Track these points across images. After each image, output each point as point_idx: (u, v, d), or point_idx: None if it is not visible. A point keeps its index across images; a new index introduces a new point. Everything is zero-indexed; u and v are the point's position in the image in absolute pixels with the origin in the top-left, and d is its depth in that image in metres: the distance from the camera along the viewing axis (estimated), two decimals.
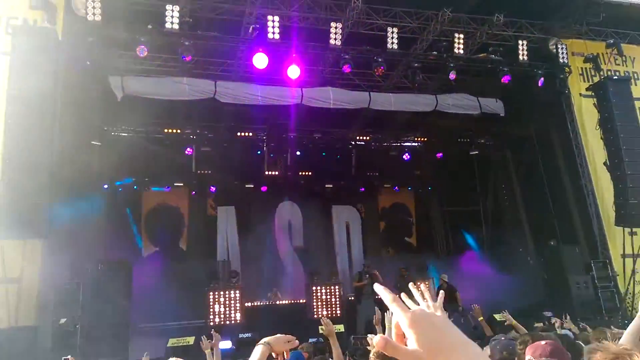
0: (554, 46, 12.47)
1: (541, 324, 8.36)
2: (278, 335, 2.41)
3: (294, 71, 11.00)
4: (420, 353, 0.90)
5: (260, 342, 2.34)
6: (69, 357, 3.93)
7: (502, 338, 4.45)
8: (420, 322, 0.94)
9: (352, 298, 13.03)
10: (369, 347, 4.01)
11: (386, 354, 0.93)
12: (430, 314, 0.99)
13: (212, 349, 5.32)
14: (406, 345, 0.94)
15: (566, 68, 12.80)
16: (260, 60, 10.60)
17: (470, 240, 16.40)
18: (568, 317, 7.39)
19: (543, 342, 2.76)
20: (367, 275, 12.73)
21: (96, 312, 9.25)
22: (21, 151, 8.68)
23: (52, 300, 8.83)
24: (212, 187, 15.70)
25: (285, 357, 2.40)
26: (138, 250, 14.53)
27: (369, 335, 5.09)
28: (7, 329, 8.25)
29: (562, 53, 12.44)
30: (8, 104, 8.96)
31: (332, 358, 5.50)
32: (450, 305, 11.28)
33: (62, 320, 8.69)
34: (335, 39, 10.76)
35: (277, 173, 15.43)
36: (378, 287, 1.09)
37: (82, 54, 10.26)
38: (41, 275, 8.90)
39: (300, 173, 15.95)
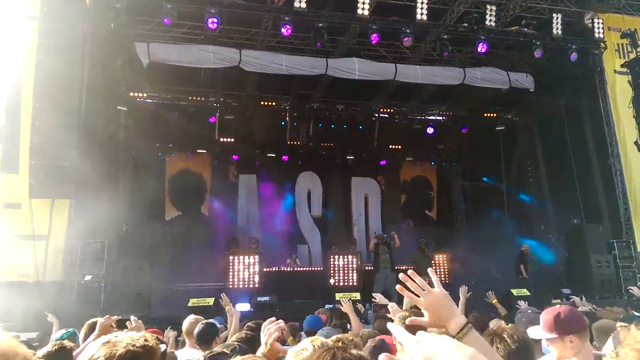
0: (590, 20, 12.03)
1: (559, 301, 8.33)
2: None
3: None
4: (429, 323, 1.40)
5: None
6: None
7: (529, 311, 4.49)
8: (431, 301, 1.47)
9: (370, 268, 13.15)
10: (388, 315, 4.08)
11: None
12: (436, 293, 1.47)
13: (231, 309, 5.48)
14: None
15: (601, 43, 12.35)
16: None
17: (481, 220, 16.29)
18: (584, 298, 7.35)
19: (557, 306, 2.77)
20: (375, 234, 12.78)
21: (120, 270, 9.57)
22: (50, 114, 8.92)
23: (77, 257, 9.16)
24: (235, 155, 15.85)
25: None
26: (162, 213, 14.85)
27: (389, 303, 5.15)
28: (35, 283, 8.62)
29: (598, 28, 12.00)
30: (37, 68, 9.16)
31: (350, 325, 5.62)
32: None
33: (87, 277, 9.03)
34: (363, 8, 10.58)
35: (298, 143, 15.47)
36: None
37: (109, 20, 10.33)
38: (68, 234, 9.23)
39: (321, 144, 15.96)
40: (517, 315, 4.31)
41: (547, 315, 2.67)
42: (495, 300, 6.99)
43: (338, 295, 9.51)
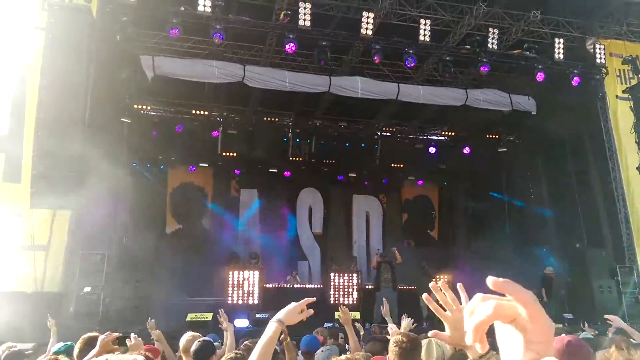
0: (592, 46, 12.14)
1: (560, 326, 8.25)
2: (290, 307, 2.29)
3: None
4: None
5: (273, 319, 2.25)
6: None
7: None
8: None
9: (371, 286, 13.09)
10: (388, 337, 4.05)
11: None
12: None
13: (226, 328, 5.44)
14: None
15: (603, 69, 12.45)
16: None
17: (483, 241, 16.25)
18: (586, 324, 7.29)
19: (564, 335, 2.74)
20: (378, 251, 12.73)
21: (119, 283, 9.54)
22: (54, 124, 8.95)
23: (77, 269, 9.13)
24: (237, 170, 15.89)
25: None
26: (162, 226, 14.83)
27: (389, 325, 5.12)
28: (33, 293, 8.58)
29: (600, 53, 12.11)
30: (42, 78, 9.23)
31: (347, 344, 5.57)
32: None
33: (86, 289, 8.99)
34: (366, 28, 10.69)
35: (301, 159, 15.50)
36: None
37: (115, 33, 10.45)
38: (68, 245, 9.21)
39: (324, 160, 15.98)
40: None
41: (557, 344, 2.65)
42: None
43: (337, 314, 9.44)
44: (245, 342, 4.65)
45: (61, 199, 9.08)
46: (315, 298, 2.56)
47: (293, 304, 2.30)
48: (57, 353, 3.90)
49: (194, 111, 14.49)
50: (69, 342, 4.51)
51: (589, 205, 12.87)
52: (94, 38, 9.73)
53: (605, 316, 5.23)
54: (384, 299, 7.03)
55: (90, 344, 3.79)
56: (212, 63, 11.35)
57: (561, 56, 11.72)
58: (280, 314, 2.28)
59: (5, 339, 5.48)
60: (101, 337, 3.88)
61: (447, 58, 11.82)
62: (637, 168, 11.72)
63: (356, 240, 16.60)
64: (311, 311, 2.32)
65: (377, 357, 3.96)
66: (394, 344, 3.26)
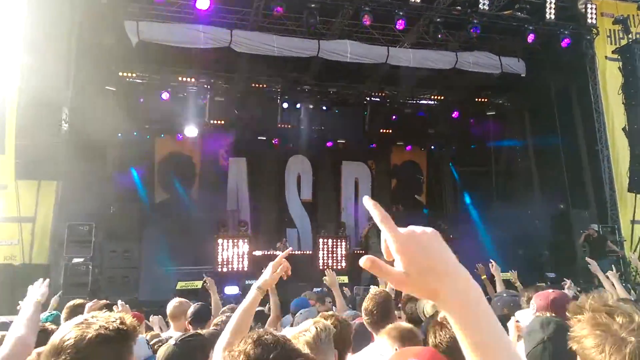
0: (583, 6, 11.98)
1: (543, 285, 8.42)
2: (267, 270, 2.39)
3: (202, 2, 10.13)
4: (405, 278, 0.84)
5: (253, 286, 2.35)
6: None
7: (504, 295, 4.49)
8: (409, 244, 0.85)
9: (360, 251, 13.22)
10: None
11: (373, 273, 0.86)
12: (420, 234, 0.87)
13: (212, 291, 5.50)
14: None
15: (593, 29, 12.33)
16: (202, 2, 10.09)
17: (470, 204, 16.38)
18: (568, 282, 7.43)
19: (551, 291, 2.79)
20: (370, 221, 12.84)
21: (108, 253, 9.53)
22: (37, 94, 8.75)
23: (64, 240, 9.09)
24: (225, 138, 15.72)
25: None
26: (151, 195, 14.74)
27: (371, 286, 5.20)
28: (21, 265, 8.56)
29: (591, 13, 11.97)
30: (25, 44, 8.96)
31: (335, 307, 5.66)
32: None
33: (75, 260, 8.98)
34: None
35: (289, 126, 15.36)
36: (367, 201, 0.94)
37: None
38: (55, 216, 9.15)
39: (312, 127, 15.85)
40: (492, 301, 4.30)
41: (541, 301, 2.69)
42: (485, 277, 6.29)
43: (324, 278, 9.54)
44: (231, 305, 4.71)
45: (46, 169, 8.97)
46: (290, 248, 2.61)
47: (269, 267, 2.39)
48: (44, 322, 3.92)
49: (180, 78, 14.19)
50: (54, 312, 4.53)
51: (574, 166, 12.98)
52: (77, 4, 9.42)
53: (586, 258, 5.38)
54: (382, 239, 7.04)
55: (76, 311, 3.81)
56: (198, 28, 11.08)
57: (552, 16, 11.58)
58: (259, 281, 2.37)
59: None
60: (88, 305, 3.89)
61: (438, 20, 11.61)
62: (622, 129, 11.78)
63: (345, 206, 16.67)
64: (287, 265, 2.38)
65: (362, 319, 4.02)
66: (365, 314, 3.32)
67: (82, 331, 1.49)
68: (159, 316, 5.69)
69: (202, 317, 4.22)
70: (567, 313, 1.35)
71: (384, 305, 3.28)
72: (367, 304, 3.33)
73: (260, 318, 4.74)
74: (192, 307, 4.33)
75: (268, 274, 2.38)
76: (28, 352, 2.31)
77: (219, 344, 2.19)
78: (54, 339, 1.53)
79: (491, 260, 5.89)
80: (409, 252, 0.85)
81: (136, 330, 1.63)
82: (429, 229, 0.89)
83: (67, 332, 1.52)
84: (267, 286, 2.37)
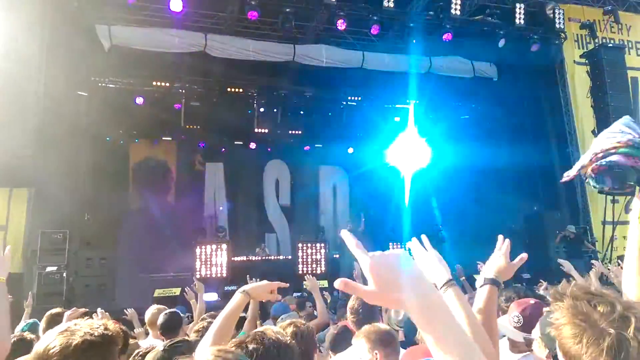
0: (552, 11, 12.32)
1: (519, 285, 8.57)
2: (260, 283, 2.35)
3: (176, 4, 10.07)
4: (375, 292, 1.01)
5: (240, 289, 2.31)
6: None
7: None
8: (378, 265, 1.02)
9: (337, 256, 13.26)
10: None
11: (347, 292, 1.04)
12: (388, 254, 1.04)
13: (196, 298, 5.46)
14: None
15: (562, 34, 12.69)
16: (175, 4, 10.07)
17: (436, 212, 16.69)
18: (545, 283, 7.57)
19: (532, 301, 2.85)
20: (349, 225, 12.97)
21: (82, 261, 9.34)
22: (7, 99, 8.56)
23: (38, 248, 8.88)
24: (201, 143, 15.59)
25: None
26: (126, 202, 14.50)
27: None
28: None
29: (559, 18, 12.32)
30: None
31: (316, 311, 5.67)
32: None
33: (49, 268, 8.78)
34: None
35: (266, 131, 15.31)
36: (344, 233, 1.13)
37: (71, 1, 9.94)
38: (27, 224, 8.93)
39: (290, 131, 15.85)
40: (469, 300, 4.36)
41: (516, 306, 2.75)
42: (464, 278, 6.32)
43: (305, 283, 9.53)
44: (212, 312, 4.67)
45: (18, 177, 8.77)
46: (288, 285, 2.61)
47: (265, 282, 2.35)
48: (21, 332, 3.83)
49: (154, 83, 14.01)
50: (30, 320, 4.43)
51: (546, 168, 13.28)
52: (48, 7, 9.25)
53: (559, 260, 5.47)
54: (354, 263, 7.13)
55: (55, 320, 3.74)
56: (172, 32, 11.01)
57: (522, 21, 11.89)
58: (248, 286, 2.33)
59: None
60: (67, 313, 3.82)
61: (411, 24, 11.79)
62: (592, 132, 12.11)
63: (323, 210, 16.70)
64: (279, 296, 2.39)
65: (344, 322, 4.04)
66: (350, 313, 3.34)
67: (67, 338, 1.50)
68: (132, 309, 5.60)
69: (173, 325, 4.14)
70: (548, 297, 1.34)
71: (371, 305, 3.30)
72: (353, 303, 3.36)
73: (241, 325, 4.70)
74: (162, 317, 4.23)
75: (261, 287, 2.33)
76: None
77: (200, 349, 2.17)
78: (37, 348, 1.52)
79: (479, 262, 6.00)
80: (377, 271, 1.02)
81: (119, 335, 1.65)
82: (398, 251, 1.07)
83: (51, 340, 1.51)
84: (254, 295, 2.30)
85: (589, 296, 1.20)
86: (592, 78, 12.24)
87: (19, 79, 8.66)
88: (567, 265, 5.01)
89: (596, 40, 12.66)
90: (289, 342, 1.87)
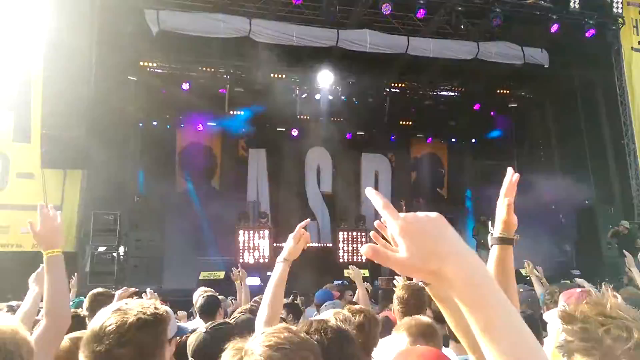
0: None
1: (568, 282, 8.31)
2: (288, 243, 2.44)
3: None
4: (410, 262, 0.83)
5: (278, 259, 2.43)
6: None
7: (521, 290, 4.42)
8: (411, 228, 0.86)
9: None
10: (394, 289, 4.08)
11: (376, 260, 0.88)
12: (423, 218, 0.87)
13: (240, 282, 5.55)
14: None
15: (619, 19, 12.05)
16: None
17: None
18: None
19: (578, 290, 2.76)
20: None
21: (132, 242, 9.67)
22: (60, 83, 8.90)
23: (90, 228, 9.24)
24: (244, 128, 15.77)
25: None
26: (172, 186, 14.86)
27: (395, 277, 5.17)
28: None
29: (617, 2, 11.72)
30: (48, 36, 9.09)
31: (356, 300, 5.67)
32: None
33: (101, 248, 9.13)
34: None
35: (309, 117, 15.32)
36: (369, 191, 0.98)
37: None
38: (81, 204, 9.29)
39: (332, 119, 15.81)
40: None
41: (568, 298, 2.67)
42: (534, 271, 5.86)
43: (347, 272, 9.56)
44: (255, 298, 4.74)
45: (71, 158, 9.12)
46: (309, 219, 2.65)
47: (290, 238, 2.45)
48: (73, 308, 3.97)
49: (200, 68, 14.22)
50: (76, 299, 4.59)
51: (599, 160, 12.75)
52: None
53: (624, 251, 5.16)
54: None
55: (97, 300, 3.82)
56: (218, 17, 11.11)
57: (577, 6, 11.36)
58: (284, 252, 2.44)
59: (22, 298, 5.59)
60: (118, 292, 3.96)
61: (459, 8, 11.46)
62: None
63: (364, 198, 16.61)
64: (307, 235, 2.44)
65: (386, 312, 4.00)
66: (398, 302, 3.29)
67: (121, 317, 1.57)
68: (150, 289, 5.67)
69: (210, 309, 4.26)
70: (558, 319, 1.16)
71: (419, 295, 3.24)
72: (402, 292, 3.30)
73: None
74: (201, 299, 4.35)
75: (291, 245, 2.43)
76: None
77: (259, 318, 2.30)
78: (93, 326, 1.59)
79: (526, 261, 5.74)
80: (410, 235, 0.85)
81: (169, 315, 1.73)
82: (433, 214, 0.89)
83: (107, 317, 1.58)
84: (292, 257, 2.42)
85: (602, 318, 1.06)
86: None
87: (71, 64, 8.97)
88: (629, 258, 4.73)
89: None
90: (349, 335, 1.85)
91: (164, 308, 1.71)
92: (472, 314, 0.81)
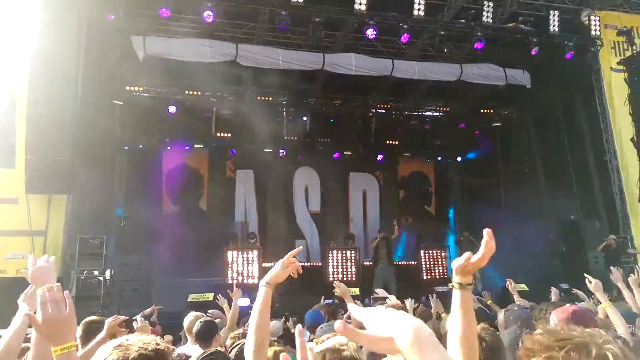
0: (587, 18, 12.11)
1: (556, 301, 8.36)
2: (274, 267, 2.36)
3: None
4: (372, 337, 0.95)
5: (261, 283, 2.33)
6: None
7: (515, 308, 4.47)
8: (424, 343, 0.93)
9: (369, 262, 13.19)
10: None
11: (345, 336, 0.99)
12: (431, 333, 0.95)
13: (229, 303, 5.52)
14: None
15: (597, 41, 12.41)
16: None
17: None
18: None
19: (568, 305, 2.80)
20: (380, 232, 12.91)
21: (119, 266, 9.56)
22: (45, 108, 8.87)
23: (76, 253, 9.13)
24: (232, 150, 15.80)
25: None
26: (159, 208, 14.77)
27: (388, 296, 5.18)
28: None
29: (595, 25, 12.10)
30: (32, 61, 9.10)
31: (348, 319, 5.64)
32: None
33: (87, 273, 9.01)
34: (360, 3, 10.58)
35: (296, 138, 15.42)
36: (352, 308, 1.07)
37: (107, 13, 10.27)
38: (66, 229, 9.19)
39: (319, 139, 15.92)
40: (504, 313, 4.28)
41: (562, 314, 2.70)
42: (490, 302, 6.74)
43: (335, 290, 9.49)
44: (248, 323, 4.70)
45: (56, 183, 9.05)
46: (301, 247, 2.60)
47: (278, 263, 2.36)
48: None
49: (186, 92, 14.31)
50: None
51: (583, 176, 12.97)
52: (84, 18, 9.57)
53: (611, 268, 5.22)
54: (376, 288, 7.13)
55: (91, 328, 3.76)
56: (204, 42, 11.23)
57: (556, 29, 11.68)
58: (267, 276, 2.34)
59: (7, 325, 5.48)
60: (108, 321, 3.89)
61: (442, 33, 11.72)
62: (630, 139, 11.79)
63: (353, 217, 16.66)
64: (298, 264, 2.36)
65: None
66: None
67: (123, 353, 1.56)
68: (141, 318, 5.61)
69: (208, 334, 4.23)
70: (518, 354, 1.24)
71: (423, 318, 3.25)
72: None
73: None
74: (197, 325, 4.31)
75: (277, 270, 2.34)
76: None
77: (247, 347, 2.22)
78: None
79: (508, 279, 6.05)
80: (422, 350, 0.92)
81: (169, 350, 1.71)
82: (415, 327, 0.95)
83: (107, 354, 1.57)
84: (276, 281, 2.32)
85: (560, 343, 1.13)
86: (631, 85, 11.93)
87: (57, 88, 8.97)
88: (616, 274, 4.79)
89: (634, 47, 12.34)
90: None
91: (165, 344, 1.70)
92: None
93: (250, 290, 11.00)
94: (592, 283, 4.31)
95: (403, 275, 12.75)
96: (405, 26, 11.23)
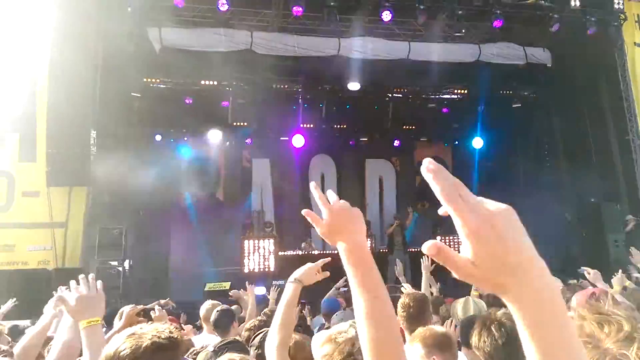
0: None
1: (575, 281, 8.20)
2: (307, 267, 2.35)
3: (298, 141, 11.44)
4: (474, 266, 0.71)
5: (290, 279, 2.31)
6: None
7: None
8: (484, 229, 0.72)
9: (385, 250, 13.14)
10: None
11: (438, 260, 0.74)
12: (495, 215, 0.74)
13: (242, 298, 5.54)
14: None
15: (621, 15, 11.97)
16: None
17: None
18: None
19: (591, 288, 2.76)
20: (396, 218, 12.85)
21: (138, 256, 9.70)
22: (65, 102, 9.00)
23: (96, 244, 9.29)
24: (248, 139, 15.82)
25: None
26: (177, 199, 14.91)
27: (403, 284, 5.15)
28: (55, 269, 8.79)
29: None
30: (52, 56, 9.22)
31: None
32: None
33: (107, 264, 9.18)
34: None
35: (312, 125, 15.35)
36: (426, 166, 0.82)
37: (125, 6, 10.30)
38: (86, 220, 9.36)
39: (335, 126, 15.82)
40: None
41: (581, 297, 2.66)
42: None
43: None
44: (265, 311, 4.72)
45: (76, 175, 9.21)
46: (330, 258, 2.60)
47: (309, 265, 2.36)
48: None
49: (203, 82, 14.32)
50: None
51: (604, 157, 12.63)
52: (102, 13, 9.64)
53: (631, 249, 5.08)
54: (397, 260, 7.10)
55: (106, 318, 3.79)
56: (219, 31, 11.22)
57: (577, 3, 11.29)
58: (297, 273, 2.33)
59: (30, 316, 5.64)
60: (126, 310, 3.93)
61: (460, 12, 11.43)
62: None
63: (369, 204, 16.58)
64: (327, 273, 2.35)
65: None
66: (401, 308, 3.29)
67: (136, 341, 1.56)
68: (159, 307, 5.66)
69: (224, 322, 4.25)
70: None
71: (422, 303, 3.28)
72: (405, 299, 3.33)
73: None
74: (214, 314, 4.33)
75: (309, 269, 2.34)
76: (75, 354, 2.34)
77: (269, 343, 2.19)
78: (107, 351, 1.58)
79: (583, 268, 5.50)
80: (481, 238, 0.72)
81: (183, 339, 1.71)
82: (504, 206, 0.76)
83: (121, 343, 1.57)
84: (306, 280, 2.31)
85: (596, 316, 1.15)
86: None
87: (75, 83, 9.08)
88: (637, 256, 4.68)
89: None
90: None
91: (179, 332, 1.69)
92: (532, 335, 0.71)
93: (266, 279, 11.10)
94: (591, 274, 4.26)
95: (417, 261, 12.66)
96: (421, 7, 11.00)
